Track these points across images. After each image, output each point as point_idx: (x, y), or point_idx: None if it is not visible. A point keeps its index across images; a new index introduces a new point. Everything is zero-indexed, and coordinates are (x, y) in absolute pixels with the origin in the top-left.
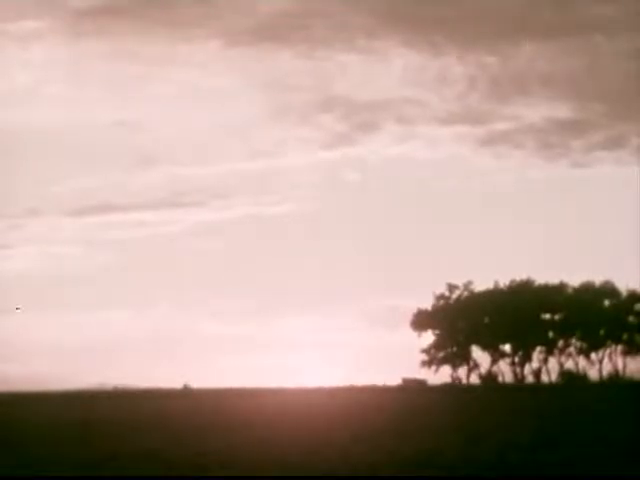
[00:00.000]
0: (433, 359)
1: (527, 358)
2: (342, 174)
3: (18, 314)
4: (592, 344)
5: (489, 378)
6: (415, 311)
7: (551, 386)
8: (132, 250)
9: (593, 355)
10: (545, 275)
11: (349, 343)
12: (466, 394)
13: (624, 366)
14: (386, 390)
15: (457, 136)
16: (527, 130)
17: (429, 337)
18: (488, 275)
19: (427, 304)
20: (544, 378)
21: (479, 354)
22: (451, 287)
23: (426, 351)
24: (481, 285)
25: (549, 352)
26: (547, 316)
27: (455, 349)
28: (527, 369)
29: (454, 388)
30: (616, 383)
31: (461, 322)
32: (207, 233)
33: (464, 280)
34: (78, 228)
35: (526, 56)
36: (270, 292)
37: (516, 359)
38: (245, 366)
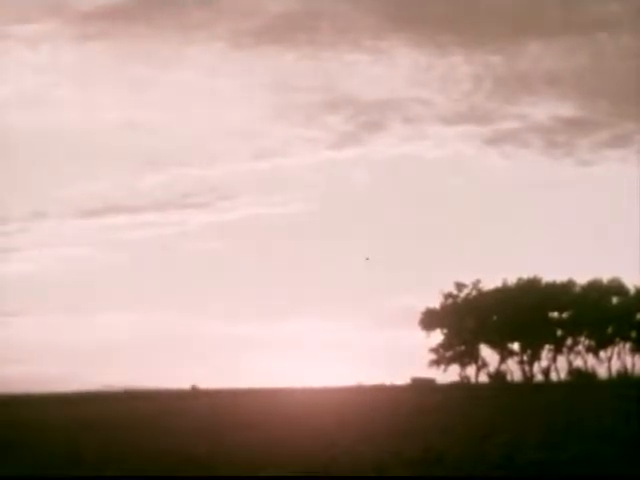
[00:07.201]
0: (442, 358)
1: (536, 356)
2: (348, 174)
3: (21, 317)
4: (600, 342)
5: (498, 377)
6: (423, 310)
7: (560, 384)
8: (139, 251)
9: (602, 353)
10: (553, 273)
11: (357, 342)
12: (475, 393)
13: (633, 364)
14: (395, 389)
15: (463, 135)
16: (533, 129)
17: (438, 336)
18: (496, 274)
19: (435, 303)
20: (553, 376)
21: (488, 353)
22: (459, 286)
23: (435, 350)
24: (489, 284)
25: (558, 350)
26: (555, 314)
27: (464, 348)
28: (536, 367)
29: (463, 387)
30: (625, 381)
31: (469, 321)
32: (214, 234)
33: (472, 279)
34: (85, 230)
35: (531, 55)
36: (277, 292)
37: (525, 357)
38: (253, 366)
